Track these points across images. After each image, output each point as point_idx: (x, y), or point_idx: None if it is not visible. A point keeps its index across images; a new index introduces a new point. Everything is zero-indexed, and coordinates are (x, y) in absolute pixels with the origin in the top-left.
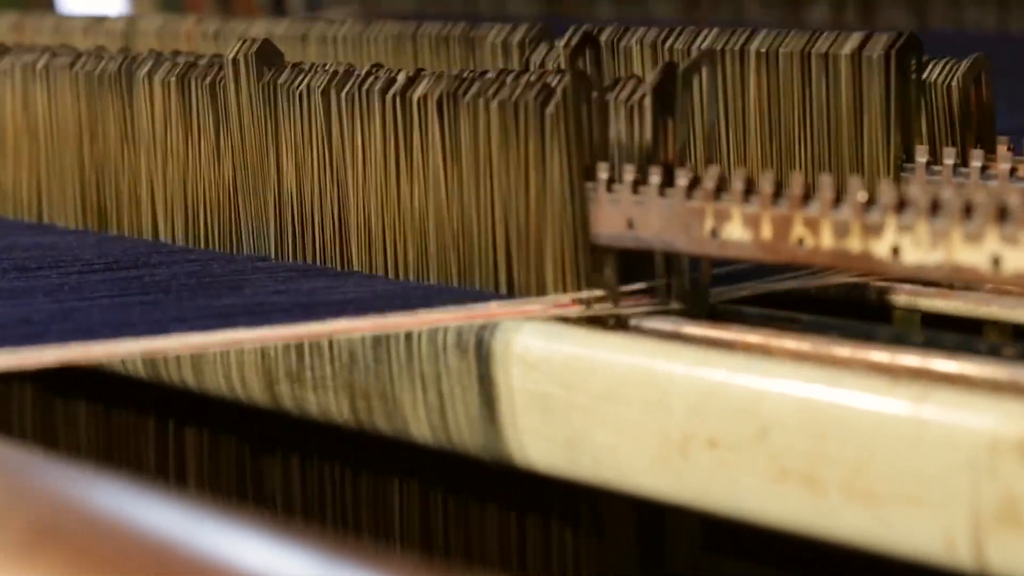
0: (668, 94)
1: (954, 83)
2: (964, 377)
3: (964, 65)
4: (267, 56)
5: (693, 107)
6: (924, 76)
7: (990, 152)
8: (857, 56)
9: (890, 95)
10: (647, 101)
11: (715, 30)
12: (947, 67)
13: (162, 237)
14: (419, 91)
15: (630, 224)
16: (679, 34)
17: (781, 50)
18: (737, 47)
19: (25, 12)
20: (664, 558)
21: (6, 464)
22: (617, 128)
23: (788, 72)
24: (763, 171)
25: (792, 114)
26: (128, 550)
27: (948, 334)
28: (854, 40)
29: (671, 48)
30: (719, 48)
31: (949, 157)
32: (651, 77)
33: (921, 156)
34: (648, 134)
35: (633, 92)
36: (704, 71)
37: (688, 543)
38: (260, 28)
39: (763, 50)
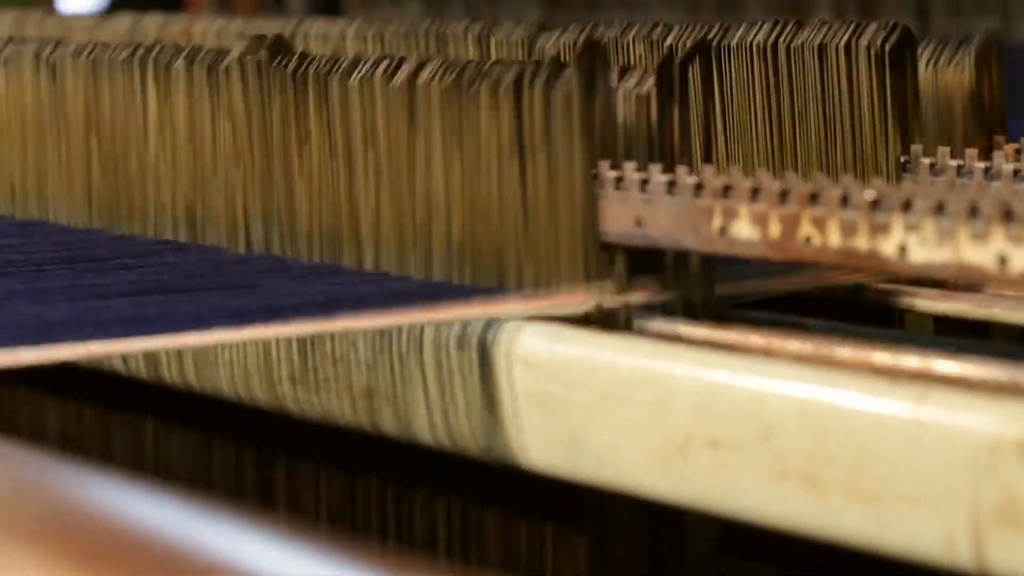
0: (671, 85)
1: (963, 63)
2: (964, 377)
3: (974, 43)
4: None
5: (695, 100)
6: (931, 60)
7: (997, 141)
8: (852, 49)
9: (886, 92)
10: (652, 93)
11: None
12: (955, 50)
13: (174, 235)
14: (425, 85)
15: (638, 222)
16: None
17: (779, 44)
18: (736, 42)
19: (25, 11)
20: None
21: (14, 461)
22: (625, 123)
23: (786, 66)
24: (764, 169)
25: (791, 110)
26: (132, 545)
27: (948, 335)
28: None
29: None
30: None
31: (953, 157)
32: (654, 69)
33: (925, 155)
34: (655, 128)
35: (638, 84)
36: (699, 62)
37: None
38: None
39: (760, 42)
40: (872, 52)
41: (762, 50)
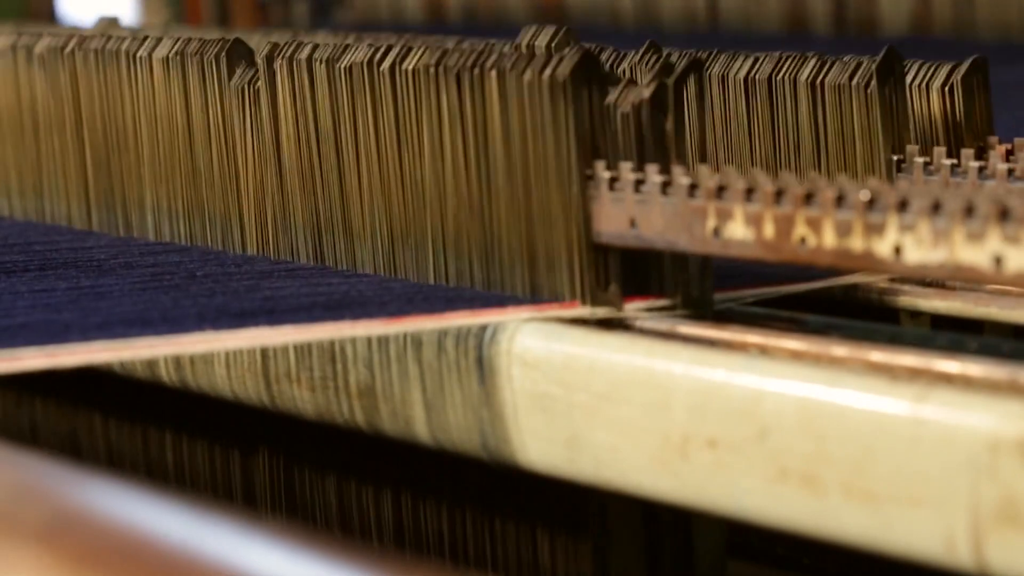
0: (666, 94)
1: (951, 86)
2: (964, 377)
3: (963, 67)
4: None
5: (687, 109)
6: (923, 81)
7: (988, 154)
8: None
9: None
10: (646, 100)
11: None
12: (946, 70)
13: (174, 238)
14: (418, 87)
15: (632, 223)
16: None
17: (774, 78)
18: (732, 75)
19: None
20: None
21: (19, 465)
22: (620, 126)
23: (779, 98)
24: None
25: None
26: (136, 550)
27: (948, 334)
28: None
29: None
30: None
31: (946, 158)
32: (649, 78)
33: (918, 157)
34: (650, 132)
35: (634, 91)
36: (693, 77)
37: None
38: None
39: (751, 77)
40: (863, 89)
41: (753, 83)
